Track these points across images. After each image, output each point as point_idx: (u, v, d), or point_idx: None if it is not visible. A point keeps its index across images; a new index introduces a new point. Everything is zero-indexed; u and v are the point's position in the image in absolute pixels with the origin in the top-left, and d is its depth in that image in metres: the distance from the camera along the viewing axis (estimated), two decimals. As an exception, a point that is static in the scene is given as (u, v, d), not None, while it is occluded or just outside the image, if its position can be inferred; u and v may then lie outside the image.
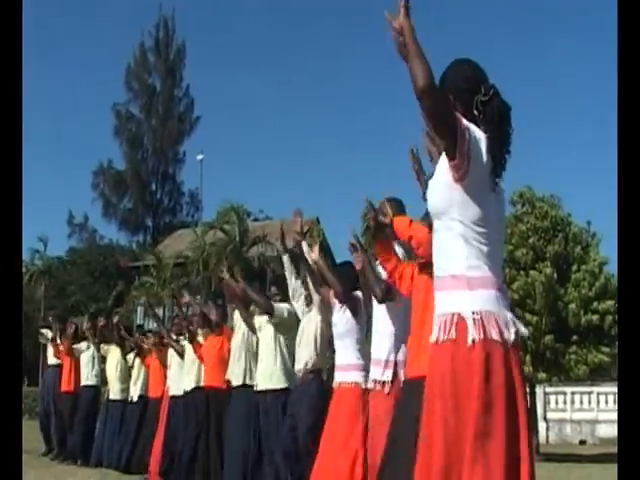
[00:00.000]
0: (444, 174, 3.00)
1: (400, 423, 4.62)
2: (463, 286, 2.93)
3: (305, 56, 79.32)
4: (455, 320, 2.90)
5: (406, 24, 2.93)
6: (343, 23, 77.16)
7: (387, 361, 5.26)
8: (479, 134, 2.98)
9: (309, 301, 6.83)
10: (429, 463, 2.89)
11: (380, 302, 5.31)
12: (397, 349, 5.24)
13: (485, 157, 2.97)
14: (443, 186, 3.01)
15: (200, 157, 40.85)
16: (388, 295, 5.25)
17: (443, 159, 3.02)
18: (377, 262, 5.31)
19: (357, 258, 5.39)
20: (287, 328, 7.25)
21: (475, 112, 3.03)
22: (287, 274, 7.01)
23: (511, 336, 2.90)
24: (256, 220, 41.98)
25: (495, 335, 2.87)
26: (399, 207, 5.03)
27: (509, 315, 2.94)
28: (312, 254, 6.20)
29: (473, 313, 2.88)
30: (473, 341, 2.85)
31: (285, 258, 7.04)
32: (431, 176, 3.18)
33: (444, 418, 2.87)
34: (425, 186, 3.21)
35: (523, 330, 2.97)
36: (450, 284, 2.97)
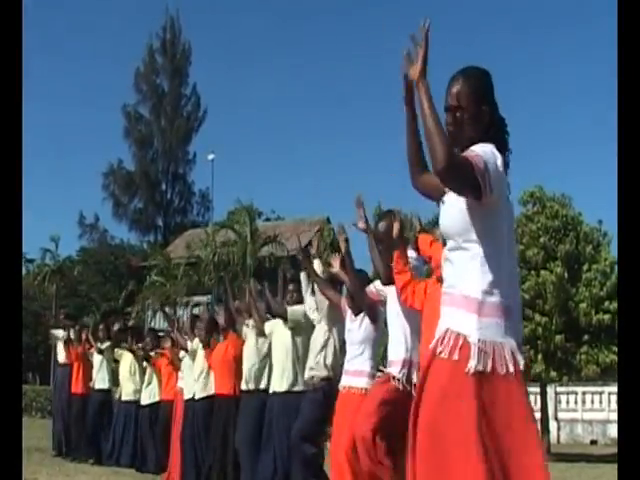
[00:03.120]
0: (461, 197, 2.92)
1: None
2: (473, 309, 2.88)
3: (314, 55, 79.28)
4: (461, 342, 2.87)
5: (421, 85, 2.84)
6: (352, 22, 77.13)
7: (403, 360, 5.30)
8: (493, 156, 2.90)
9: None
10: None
11: (384, 284, 5.30)
12: (412, 350, 5.25)
13: (502, 172, 2.90)
14: (461, 208, 2.93)
15: (211, 157, 40.76)
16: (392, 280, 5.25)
17: None
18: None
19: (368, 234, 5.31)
20: (305, 331, 7.16)
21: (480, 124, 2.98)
22: (304, 288, 6.95)
23: (514, 366, 2.86)
24: (267, 220, 41.97)
25: (498, 366, 2.84)
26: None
27: (514, 344, 2.90)
28: (332, 268, 6.12)
29: (479, 341, 2.85)
30: (475, 370, 2.82)
31: (302, 275, 6.99)
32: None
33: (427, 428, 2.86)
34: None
35: (522, 361, 2.91)
36: (461, 303, 2.92)
